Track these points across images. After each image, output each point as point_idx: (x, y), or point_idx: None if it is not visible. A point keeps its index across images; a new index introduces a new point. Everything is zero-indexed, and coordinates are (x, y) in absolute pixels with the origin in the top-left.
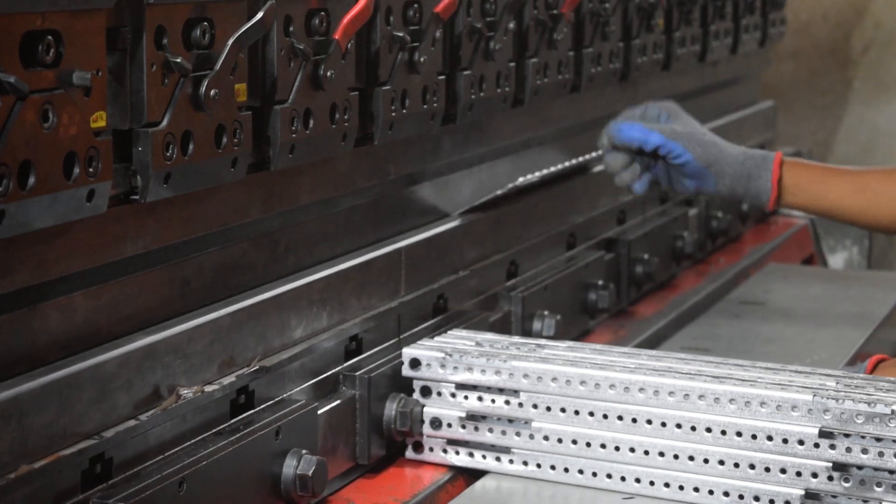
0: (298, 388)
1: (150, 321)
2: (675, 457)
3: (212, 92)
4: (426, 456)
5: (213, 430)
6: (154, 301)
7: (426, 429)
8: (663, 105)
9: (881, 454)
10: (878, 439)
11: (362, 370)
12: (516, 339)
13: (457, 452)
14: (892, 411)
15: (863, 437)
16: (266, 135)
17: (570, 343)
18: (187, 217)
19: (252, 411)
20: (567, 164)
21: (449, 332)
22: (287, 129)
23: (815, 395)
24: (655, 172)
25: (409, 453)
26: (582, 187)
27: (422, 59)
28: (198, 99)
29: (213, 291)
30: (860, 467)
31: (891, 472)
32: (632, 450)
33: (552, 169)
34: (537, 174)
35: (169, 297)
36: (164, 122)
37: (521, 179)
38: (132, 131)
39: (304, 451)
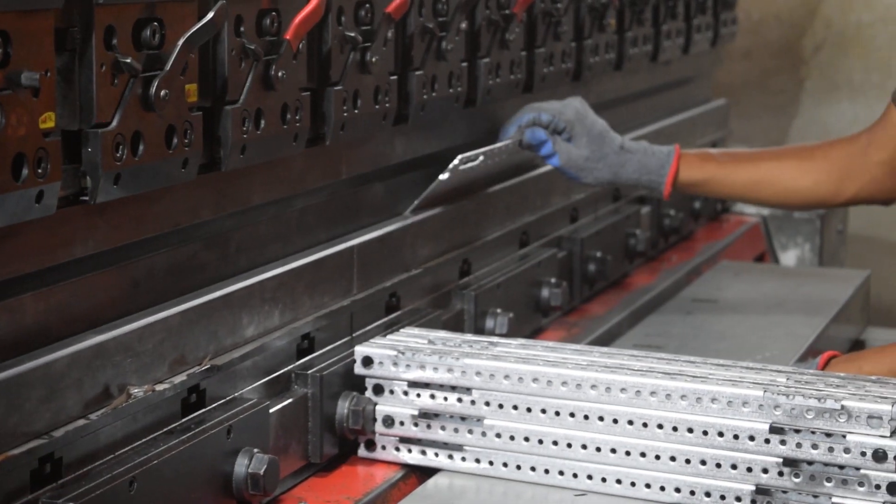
0: (250, 387)
1: (100, 322)
2: (627, 453)
3: (162, 92)
4: (378, 454)
5: (164, 430)
6: (104, 302)
7: (378, 427)
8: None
9: (831, 449)
10: (828, 435)
11: (314, 368)
12: (469, 336)
13: (409, 450)
14: (842, 407)
15: (813, 433)
16: (217, 135)
17: (523, 341)
18: (138, 218)
19: (203, 410)
20: (506, 142)
21: (401, 330)
22: (238, 130)
23: (765, 391)
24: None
25: (362, 451)
26: (534, 185)
27: (373, 60)
28: (148, 99)
29: (163, 292)
30: (810, 462)
31: (840, 467)
32: (584, 446)
33: (492, 147)
34: (478, 151)
35: (119, 299)
36: (114, 123)
37: (458, 158)
38: (82, 132)
39: (255, 450)
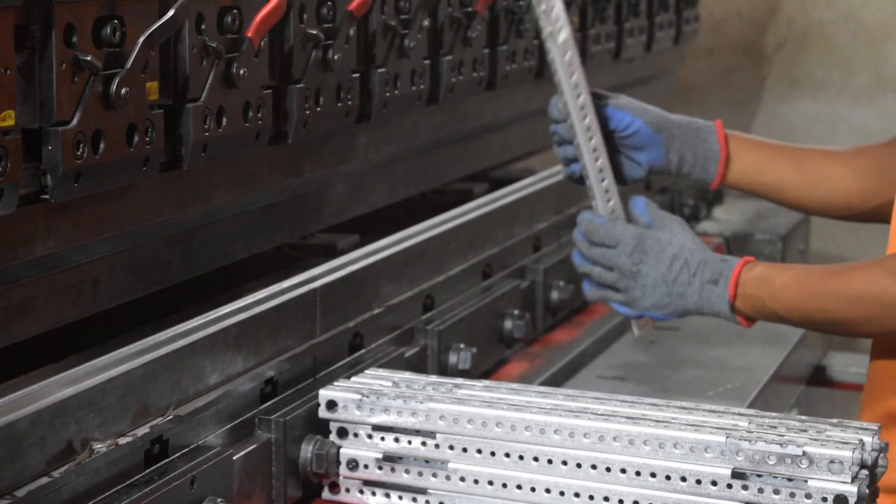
0: (213, 434)
1: (61, 321)
2: (591, 497)
3: (123, 90)
4: (343, 497)
5: (127, 482)
6: (65, 301)
7: (343, 470)
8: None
9: (792, 495)
10: (790, 480)
11: (278, 413)
12: (433, 378)
13: (373, 493)
14: (804, 452)
15: (775, 478)
16: (178, 133)
17: (487, 382)
18: (98, 216)
19: (166, 461)
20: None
21: (365, 371)
22: (199, 128)
23: (727, 437)
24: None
25: (326, 494)
26: (496, 217)
27: (336, 57)
28: (108, 97)
29: (125, 291)
30: None
31: None
32: (547, 491)
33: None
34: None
35: (80, 298)
36: (75, 121)
37: None
38: (42, 130)
39: (219, 500)
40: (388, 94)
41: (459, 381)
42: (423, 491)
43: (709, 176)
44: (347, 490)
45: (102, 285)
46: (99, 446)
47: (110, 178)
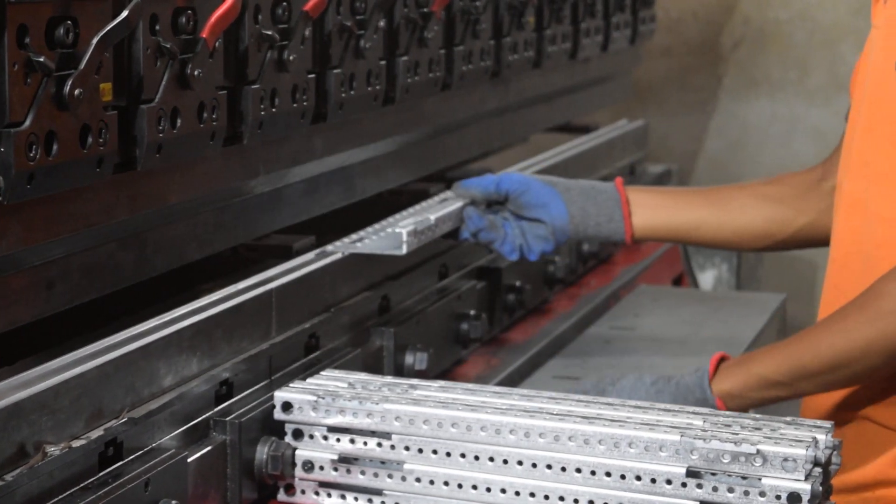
0: (168, 436)
1: (14, 323)
2: (546, 497)
3: (76, 91)
4: (298, 499)
5: (81, 485)
6: (19, 304)
7: (298, 472)
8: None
9: (747, 493)
10: (744, 478)
11: (233, 415)
12: (388, 379)
13: (329, 495)
14: (758, 451)
15: (729, 476)
16: (132, 134)
17: (442, 383)
18: (52, 218)
19: (120, 463)
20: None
21: (321, 372)
22: (154, 129)
23: (682, 436)
24: (506, 229)
25: (281, 496)
26: None
27: (291, 58)
28: (62, 98)
29: (79, 293)
30: None
31: None
32: (503, 491)
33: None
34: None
35: (34, 300)
36: (27, 123)
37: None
38: None
39: (174, 502)
40: (343, 95)
41: (415, 381)
42: (378, 492)
43: (616, 225)
44: (303, 492)
45: (56, 287)
46: (52, 449)
47: (64, 180)
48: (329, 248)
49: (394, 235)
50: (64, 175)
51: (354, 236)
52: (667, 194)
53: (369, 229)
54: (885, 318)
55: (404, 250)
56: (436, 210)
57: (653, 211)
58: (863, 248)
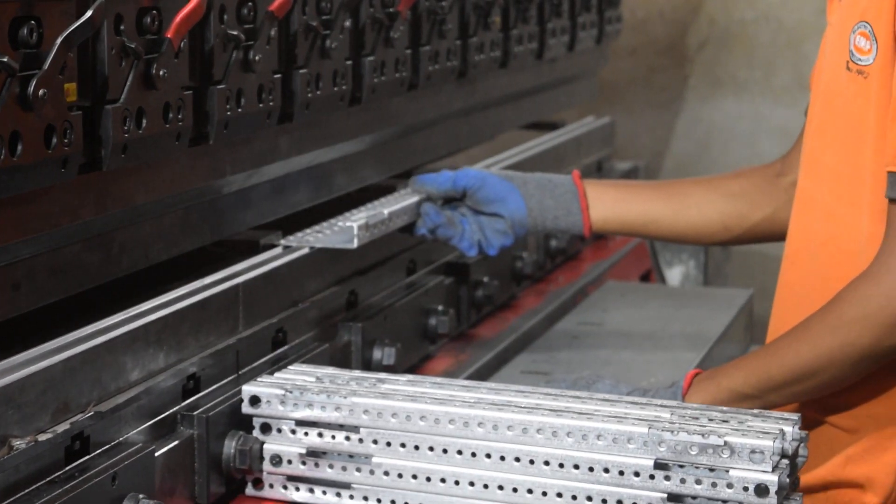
0: (135, 431)
1: None
2: (515, 490)
3: (40, 91)
4: (266, 493)
5: (47, 479)
6: None
7: (266, 466)
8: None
9: (714, 485)
10: (712, 470)
11: (200, 409)
12: (356, 373)
13: (297, 489)
14: (725, 442)
15: (697, 468)
16: (98, 135)
17: (410, 377)
18: (17, 219)
19: (87, 457)
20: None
21: (289, 367)
22: (119, 129)
23: (650, 428)
24: (463, 225)
25: (249, 490)
26: None
27: (257, 58)
28: (26, 99)
29: (45, 294)
30: (694, 497)
31: (724, 502)
32: (471, 484)
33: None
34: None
35: (0, 301)
36: None
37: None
38: None
39: (141, 496)
40: (310, 95)
41: (383, 375)
42: (346, 486)
43: (574, 218)
44: (271, 486)
45: (22, 288)
46: (18, 443)
47: (28, 180)
48: (283, 242)
49: (345, 230)
50: (29, 175)
51: (310, 231)
52: (624, 188)
53: (325, 224)
54: (847, 326)
55: (355, 244)
56: (390, 204)
57: (611, 204)
58: (810, 245)
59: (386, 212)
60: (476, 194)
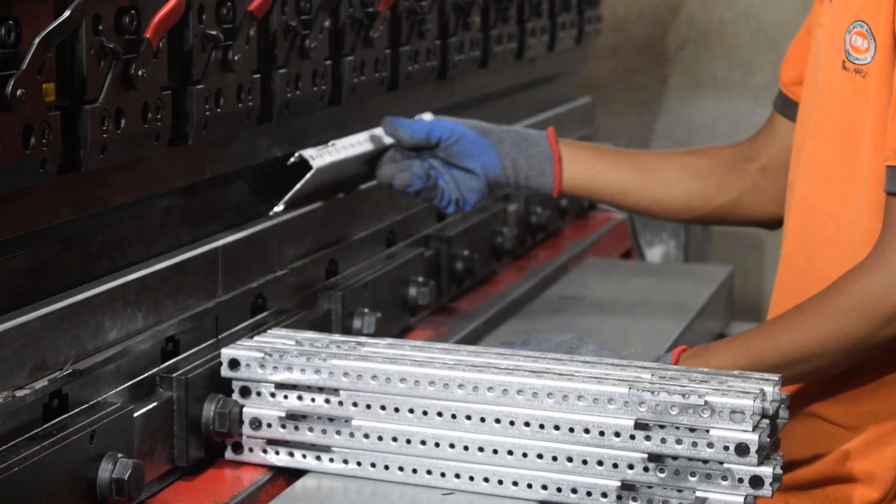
0: (114, 391)
1: None
2: (495, 451)
3: (18, 92)
4: (246, 456)
5: (25, 436)
6: None
7: (245, 429)
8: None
9: (695, 444)
10: (692, 430)
11: (179, 371)
12: (336, 337)
13: (276, 452)
14: (706, 402)
15: (677, 428)
16: (76, 135)
17: (390, 340)
18: None
19: (65, 416)
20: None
21: (268, 331)
22: (98, 129)
23: (630, 388)
24: (437, 177)
25: (229, 454)
26: None
27: (236, 58)
28: (4, 99)
29: (23, 295)
30: (675, 457)
31: (704, 461)
32: (451, 446)
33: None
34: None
35: None
36: None
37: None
38: None
39: (119, 455)
40: (289, 95)
41: (363, 339)
42: (326, 448)
43: (546, 180)
44: (251, 450)
45: (0, 289)
46: None
47: (6, 181)
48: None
49: (300, 160)
50: (7, 176)
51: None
52: (597, 154)
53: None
54: (844, 315)
55: (315, 165)
56: (349, 141)
57: (581, 171)
58: (808, 246)
59: (337, 142)
60: (451, 147)
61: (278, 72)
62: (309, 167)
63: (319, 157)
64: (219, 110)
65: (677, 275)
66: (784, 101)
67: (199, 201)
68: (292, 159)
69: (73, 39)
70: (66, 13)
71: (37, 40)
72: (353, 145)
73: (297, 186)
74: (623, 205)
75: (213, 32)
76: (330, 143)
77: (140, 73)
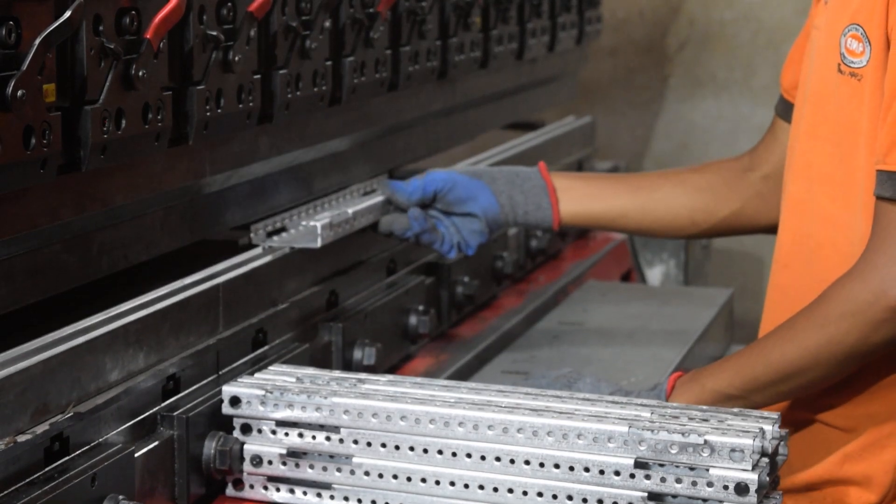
0: (115, 431)
1: None
2: (495, 489)
3: (19, 92)
4: (247, 493)
5: (27, 480)
6: None
7: (247, 466)
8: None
9: (694, 483)
10: (692, 468)
11: (180, 410)
12: (337, 373)
13: (277, 489)
14: (705, 441)
15: (677, 467)
16: (77, 135)
17: (391, 377)
18: None
19: (66, 458)
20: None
21: (269, 367)
22: (98, 130)
23: (630, 427)
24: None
25: (230, 491)
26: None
27: (236, 59)
28: (4, 99)
29: (24, 295)
30: (675, 496)
31: (704, 500)
32: (452, 483)
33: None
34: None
35: None
36: None
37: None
38: None
39: (121, 497)
40: (289, 96)
41: (363, 375)
42: (327, 486)
43: (544, 213)
44: (251, 486)
45: (1, 289)
46: None
47: (7, 181)
48: (251, 236)
49: (309, 229)
50: (7, 176)
51: (272, 220)
52: (592, 181)
53: (288, 220)
54: (834, 323)
55: (319, 243)
56: (356, 203)
57: (579, 199)
58: (804, 248)
59: (350, 211)
60: (447, 196)
61: (279, 72)
62: (315, 243)
63: (327, 231)
64: (219, 111)
65: (677, 298)
66: (785, 105)
67: (200, 202)
68: (306, 221)
69: (73, 40)
70: (67, 14)
71: (37, 41)
72: (364, 214)
73: (294, 245)
74: (626, 228)
75: (214, 33)
76: (345, 211)
77: (140, 73)
